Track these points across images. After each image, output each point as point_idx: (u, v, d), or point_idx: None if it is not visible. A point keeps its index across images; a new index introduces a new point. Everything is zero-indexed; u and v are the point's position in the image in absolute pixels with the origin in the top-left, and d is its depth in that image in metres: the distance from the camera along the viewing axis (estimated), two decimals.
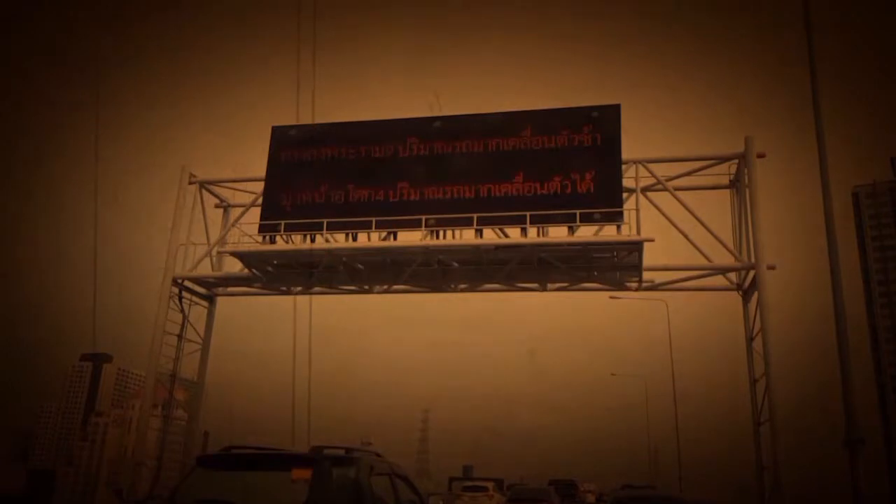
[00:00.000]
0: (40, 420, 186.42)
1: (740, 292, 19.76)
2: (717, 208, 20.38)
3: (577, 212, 17.49)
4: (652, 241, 17.44)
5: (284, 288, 21.55)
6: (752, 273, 18.63)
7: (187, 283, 21.71)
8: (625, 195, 18.43)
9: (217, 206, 22.96)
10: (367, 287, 21.11)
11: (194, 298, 22.18)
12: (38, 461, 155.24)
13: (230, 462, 6.48)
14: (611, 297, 28.32)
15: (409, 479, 7.80)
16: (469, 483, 39.66)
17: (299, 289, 21.49)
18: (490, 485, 36.56)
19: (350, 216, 19.01)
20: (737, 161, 19.43)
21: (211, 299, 22.76)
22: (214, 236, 21.86)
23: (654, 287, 19.99)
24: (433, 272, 19.81)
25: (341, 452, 6.50)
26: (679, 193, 19.07)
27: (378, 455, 7.16)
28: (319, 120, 21.11)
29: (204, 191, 22.14)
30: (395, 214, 18.69)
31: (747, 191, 18.89)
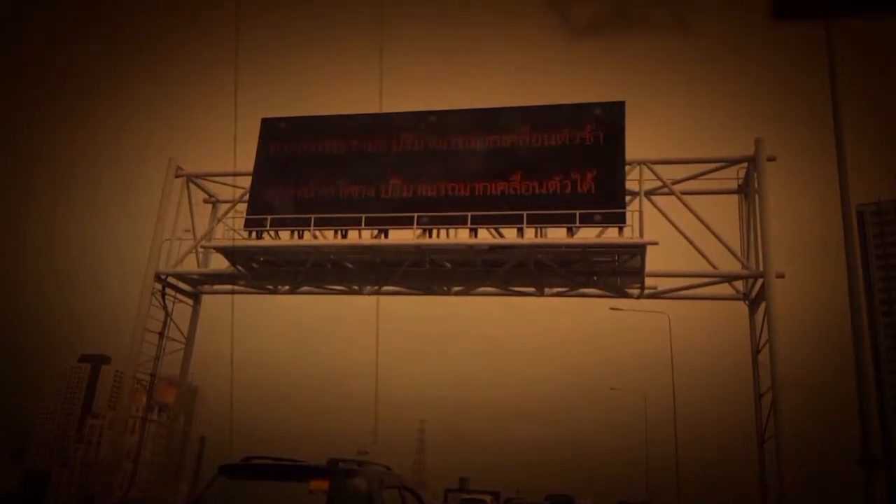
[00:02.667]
0: (37, 420, 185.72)
1: (747, 302, 18.89)
2: (723, 214, 19.58)
3: (577, 212, 16.63)
4: (656, 244, 16.57)
5: (271, 287, 20.72)
6: (759, 282, 17.77)
7: (171, 280, 20.92)
8: (627, 198, 17.59)
9: (205, 202, 22.19)
10: (356, 288, 20.26)
11: (179, 296, 21.40)
12: (33, 462, 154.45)
13: (251, 472, 6.73)
14: (611, 309, 27.40)
15: (417, 492, 8.11)
16: (466, 496, 38.81)
17: (286, 288, 20.66)
18: (488, 498, 35.65)
19: (340, 212, 18.19)
20: (745, 165, 18.61)
21: (196, 297, 21.95)
22: (202, 232, 21.09)
23: (657, 294, 19.12)
24: (426, 273, 18.96)
25: (354, 465, 6.80)
26: (685, 197, 18.24)
27: (388, 468, 7.48)
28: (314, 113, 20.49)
29: (192, 185, 21.38)
30: (387, 211, 17.87)
31: (756, 196, 18.03)
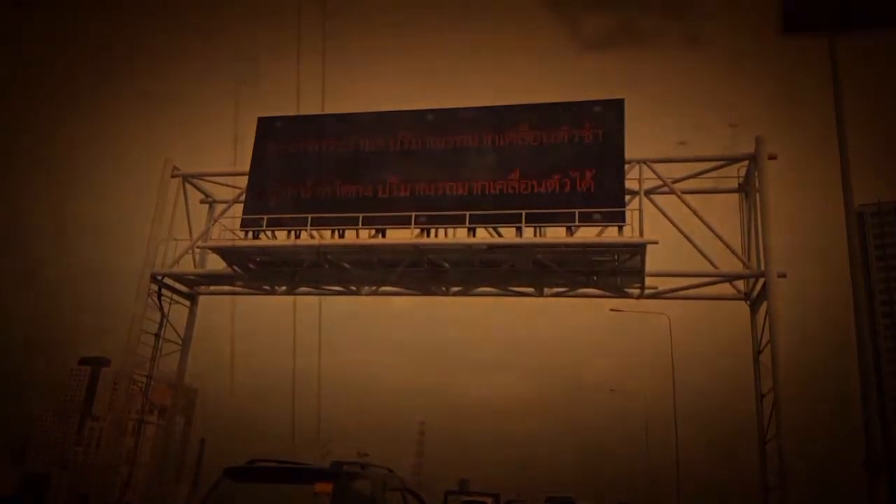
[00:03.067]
0: (37, 423, 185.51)
1: (748, 302, 18.72)
2: (724, 214, 19.41)
3: (576, 211, 16.46)
4: (655, 243, 16.39)
5: (268, 287, 20.56)
6: (760, 282, 17.61)
7: (167, 281, 20.75)
8: (627, 197, 17.41)
9: (202, 202, 22.03)
10: (353, 288, 20.09)
11: (175, 297, 21.22)
12: (33, 464, 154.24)
13: (256, 475, 6.76)
14: (611, 310, 27.21)
15: (419, 495, 8.16)
16: (467, 498, 38.53)
17: (283, 288, 20.51)
18: (489, 500, 35.38)
19: (337, 212, 18.03)
20: (746, 163, 18.44)
21: (193, 298, 21.78)
22: (199, 233, 20.91)
23: (657, 294, 18.94)
24: (424, 273, 18.78)
25: (357, 468, 6.88)
26: (685, 196, 18.07)
27: (390, 471, 7.61)
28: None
29: (188, 185, 21.20)
30: (384, 211, 17.69)
31: (757, 195, 17.87)
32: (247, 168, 19.46)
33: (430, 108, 18.86)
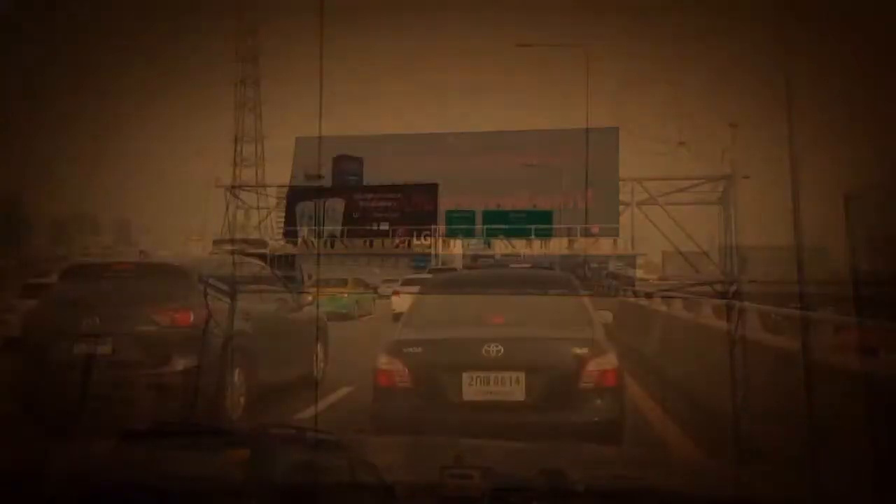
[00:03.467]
0: None
1: (726, 301, 21.36)
2: (708, 223, 22.02)
3: (578, 227, 19.11)
4: (644, 255, 19.15)
5: (301, 286, 23.10)
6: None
7: (212, 281, 23.18)
8: (621, 208, 20.05)
9: (239, 208, 24.47)
10: (377, 289, 22.72)
11: (217, 294, 23.63)
12: None
13: (157, 438, 5.78)
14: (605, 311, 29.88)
15: (371, 464, 7.02)
16: (457, 470, 40.76)
17: (314, 288, 23.03)
18: (475, 473, 37.77)
19: (367, 224, 20.55)
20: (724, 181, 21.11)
21: (233, 295, 24.20)
22: (238, 237, 23.39)
23: (648, 294, 21.63)
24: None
25: (291, 432, 5.89)
26: (672, 208, 20.73)
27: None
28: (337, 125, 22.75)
29: (230, 195, 23.67)
30: (410, 223, 20.23)
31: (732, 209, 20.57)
32: (282, 178, 21.95)
33: (437, 116, 21.43)
